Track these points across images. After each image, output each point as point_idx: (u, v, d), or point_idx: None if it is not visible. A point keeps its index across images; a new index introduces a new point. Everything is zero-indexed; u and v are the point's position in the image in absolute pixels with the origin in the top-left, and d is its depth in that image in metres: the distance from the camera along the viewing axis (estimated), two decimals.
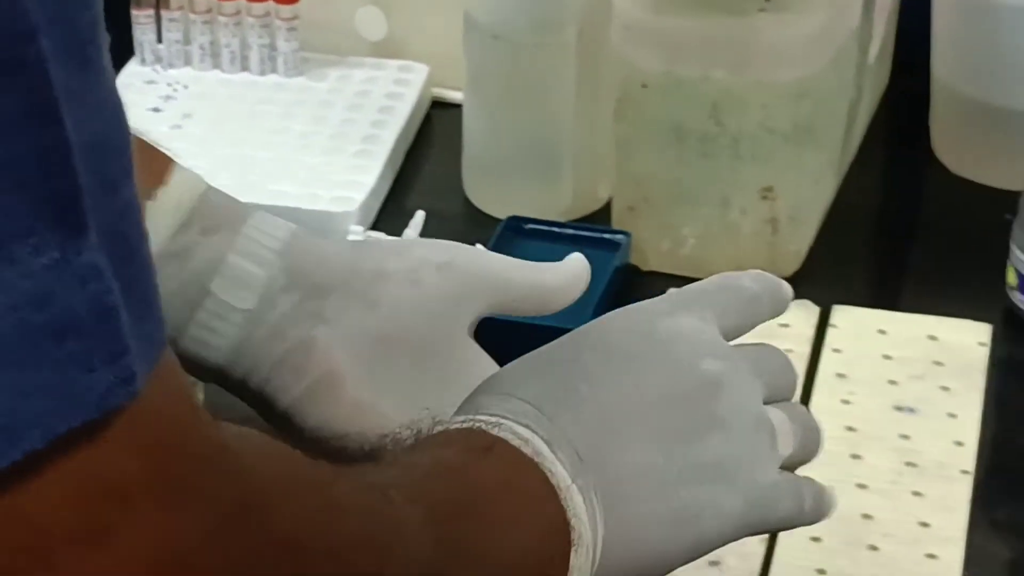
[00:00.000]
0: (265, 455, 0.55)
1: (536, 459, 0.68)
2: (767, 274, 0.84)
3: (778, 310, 0.83)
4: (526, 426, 0.69)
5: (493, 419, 0.69)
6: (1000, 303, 1.09)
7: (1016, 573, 0.93)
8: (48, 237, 0.40)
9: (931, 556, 0.91)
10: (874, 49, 1.23)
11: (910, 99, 1.28)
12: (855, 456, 0.98)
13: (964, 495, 0.95)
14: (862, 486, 0.96)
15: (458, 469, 0.68)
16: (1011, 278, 1.08)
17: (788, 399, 0.79)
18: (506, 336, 1.04)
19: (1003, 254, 1.09)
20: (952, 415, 1.01)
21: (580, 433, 0.70)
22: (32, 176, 0.40)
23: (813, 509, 0.78)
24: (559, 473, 0.68)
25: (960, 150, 1.23)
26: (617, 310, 0.81)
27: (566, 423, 0.70)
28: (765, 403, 0.75)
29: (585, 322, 1.04)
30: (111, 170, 0.45)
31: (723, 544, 0.74)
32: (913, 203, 1.23)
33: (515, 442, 0.69)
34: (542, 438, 0.69)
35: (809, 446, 0.78)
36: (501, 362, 1.03)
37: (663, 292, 1.08)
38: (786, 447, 0.75)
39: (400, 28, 1.30)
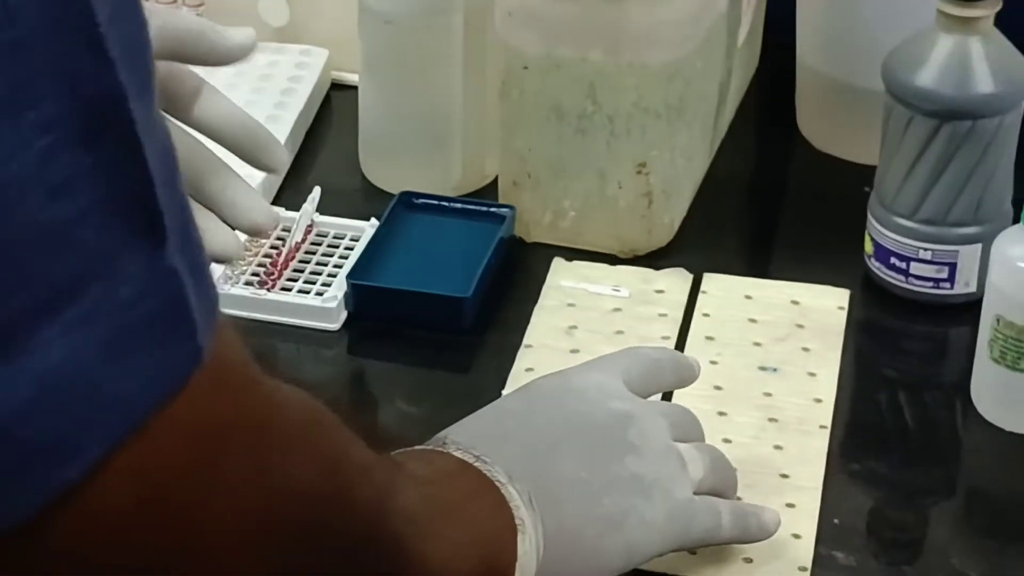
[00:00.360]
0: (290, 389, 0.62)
1: (476, 463, 0.77)
2: (672, 349, 0.99)
3: (683, 376, 0.92)
4: (466, 451, 0.78)
5: (438, 444, 0.79)
6: (859, 270, 1.12)
7: (869, 520, 0.94)
8: (139, 249, 0.47)
9: (790, 505, 0.93)
10: (743, 33, 1.24)
11: (778, 80, 1.30)
12: (721, 413, 1.00)
13: (821, 448, 0.97)
14: (727, 440, 0.97)
15: (421, 456, 0.78)
16: (868, 247, 1.11)
17: (696, 440, 0.87)
18: (399, 302, 1.08)
19: (861, 224, 1.11)
20: (812, 374, 1.03)
21: (511, 457, 0.78)
22: (128, 205, 0.47)
23: (734, 526, 0.85)
24: (497, 471, 0.77)
25: (823, 128, 1.26)
26: (538, 378, 0.90)
27: (499, 450, 0.78)
28: (674, 440, 0.84)
29: (471, 289, 1.07)
30: (172, 173, 0.50)
31: (655, 554, 0.82)
32: (780, 178, 1.25)
33: (458, 453, 0.78)
34: (478, 457, 0.77)
35: (724, 480, 0.86)
36: (401, 327, 1.06)
37: (547, 262, 1.12)
38: (697, 472, 0.83)
39: (301, 14, 1.32)
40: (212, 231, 0.87)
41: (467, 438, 0.79)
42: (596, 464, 0.81)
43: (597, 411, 0.83)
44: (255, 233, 0.94)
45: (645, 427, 0.83)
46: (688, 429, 0.87)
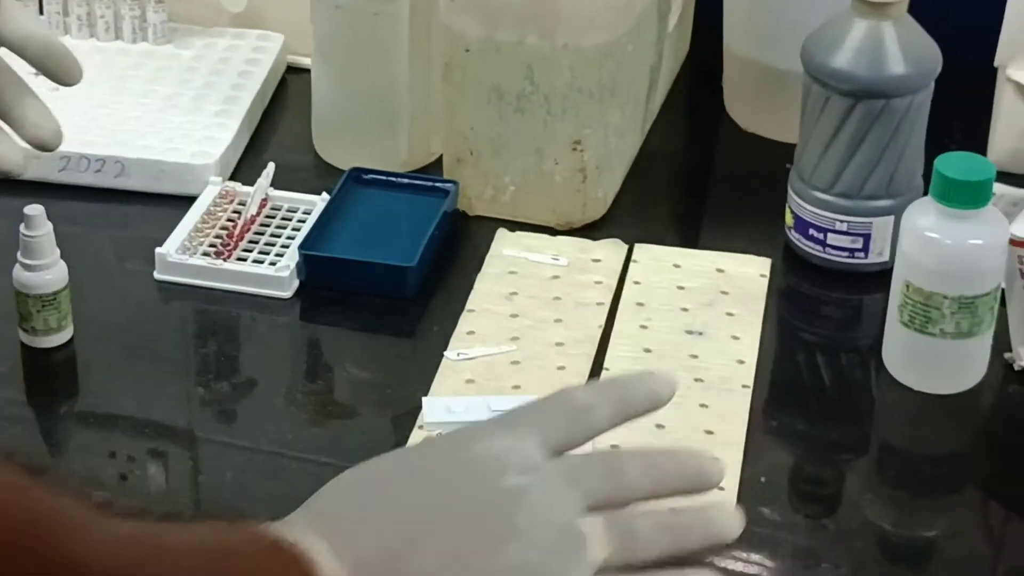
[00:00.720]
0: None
1: (307, 554, 0.65)
2: (616, 382, 0.81)
3: (622, 412, 0.76)
4: (314, 532, 0.66)
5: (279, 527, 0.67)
6: (779, 240, 1.12)
7: (786, 471, 0.95)
8: None
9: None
10: (673, 19, 1.24)
11: (706, 64, 1.31)
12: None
13: (744, 406, 0.98)
14: None
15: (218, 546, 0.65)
16: (788, 219, 1.11)
17: (618, 505, 0.73)
18: (348, 271, 1.08)
19: (782, 198, 1.12)
20: (735, 337, 1.04)
21: (364, 547, 0.67)
22: None
23: None
24: (328, 566, 0.65)
25: (747, 108, 1.26)
26: (444, 435, 0.79)
27: (352, 537, 0.68)
28: (590, 509, 0.70)
29: (415, 258, 1.08)
30: None
31: None
32: (707, 155, 1.25)
33: (291, 539, 0.65)
34: (324, 542, 0.66)
35: (674, 543, 0.71)
36: (350, 294, 1.06)
37: (489, 234, 1.12)
38: (599, 552, 0.70)
39: (258, 1, 1.31)
40: None
41: (330, 509, 0.69)
42: (466, 557, 0.69)
43: (484, 491, 0.70)
44: (40, 147, 0.91)
45: (539, 505, 0.70)
46: (606, 493, 0.72)
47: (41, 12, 1.29)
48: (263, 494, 0.92)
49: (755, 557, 0.89)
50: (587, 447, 0.92)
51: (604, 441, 0.93)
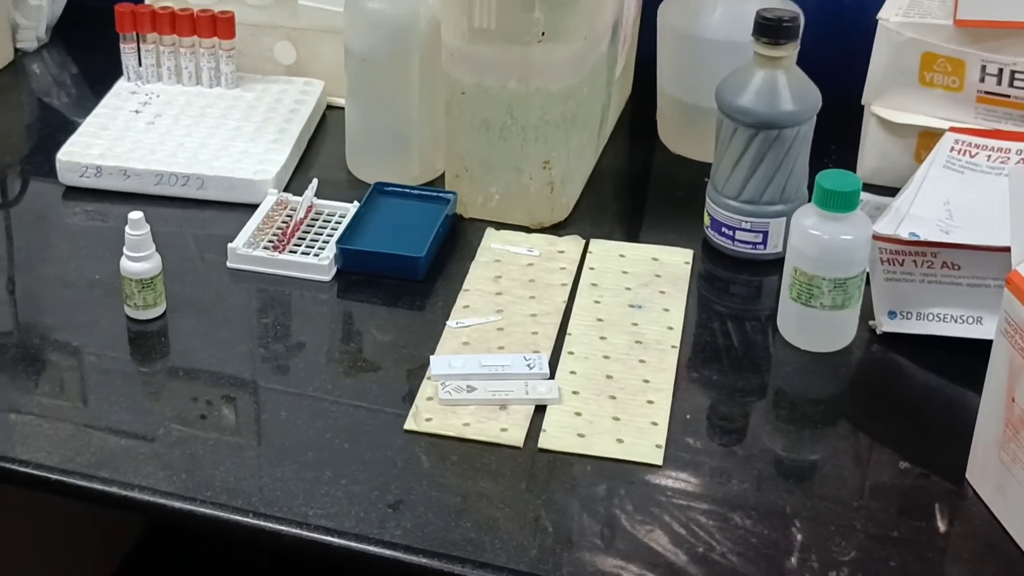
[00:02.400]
0: None
1: None
2: None
3: None
4: None
5: None
6: (699, 236, 1.12)
7: (705, 410, 0.95)
8: None
9: (650, 402, 0.94)
10: (619, 69, 1.24)
11: (645, 102, 1.30)
12: (602, 337, 1.00)
13: (672, 362, 0.98)
14: (607, 357, 0.98)
15: None
16: (706, 220, 1.11)
17: None
18: (373, 259, 1.08)
19: (701, 204, 1.12)
20: (666, 309, 1.04)
21: None
22: None
23: None
24: None
25: (675, 136, 1.26)
26: None
27: None
28: None
29: (424, 250, 1.07)
30: None
31: None
32: (645, 171, 1.24)
33: None
34: None
35: None
36: (374, 277, 1.05)
37: (480, 232, 1.12)
38: None
39: (304, 56, 1.31)
40: None
41: None
42: None
43: None
44: None
45: None
46: None
47: (140, 64, 1.28)
48: (309, 429, 0.93)
49: (682, 475, 0.89)
50: (552, 388, 0.93)
51: (566, 388, 0.95)
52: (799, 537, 0.85)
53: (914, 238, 0.96)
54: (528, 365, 0.97)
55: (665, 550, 0.84)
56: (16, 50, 1.39)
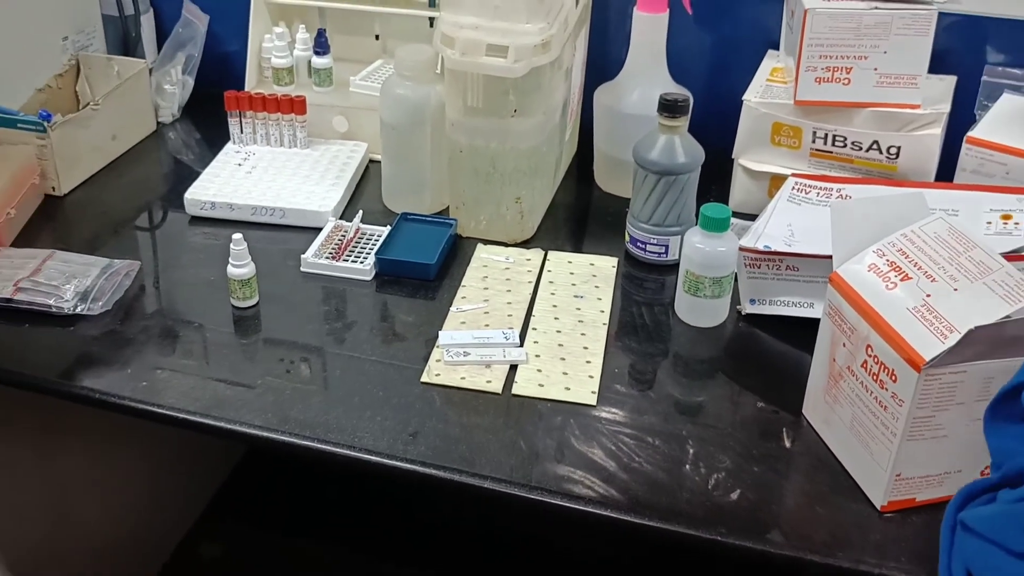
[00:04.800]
0: None
1: None
2: None
3: None
4: None
5: None
6: (622, 248, 1.11)
7: (627, 367, 0.94)
8: None
9: (588, 362, 0.94)
10: (568, 133, 1.24)
11: (585, 156, 1.29)
12: (556, 318, 1.00)
13: (603, 334, 0.98)
14: (559, 331, 0.98)
15: None
16: (626, 237, 1.10)
17: None
18: (401, 265, 1.07)
19: (623, 226, 1.11)
20: (599, 299, 1.03)
21: None
22: None
23: None
24: None
25: (606, 179, 1.25)
26: None
27: None
28: None
29: (435, 259, 1.07)
30: None
31: None
32: (585, 204, 1.23)
33: None
34: None
35: None
36: (401, 277, 1.03)
37: (473, 246, 1.11)
38: None
39: (353, 126, 1.29)
40: None
41: None
42: None
43: None
44: None
45: None
46: None
47: (241, 131, 1.27)
48: (356, 381, 0.92)
49: (612, 411, 0.89)
50: (521, 353, 0.93)
51: (531, 353, 0.94)
52: (691, 452, 0.85)
53: (767, 249, 0.96)
54: (505, 337, 0.96)
55: (601, 461, 0.84)
56: (158, 123, 1.38)
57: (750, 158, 1.14)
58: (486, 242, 1.13)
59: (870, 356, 0.77)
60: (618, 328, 1.00)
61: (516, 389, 0.91)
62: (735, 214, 1.01)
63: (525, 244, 1.13)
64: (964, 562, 0.49)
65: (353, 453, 0.85)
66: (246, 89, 1.32)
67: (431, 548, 1.63)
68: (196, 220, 1.17)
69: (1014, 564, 0.45)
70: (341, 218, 1.16)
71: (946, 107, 1.09)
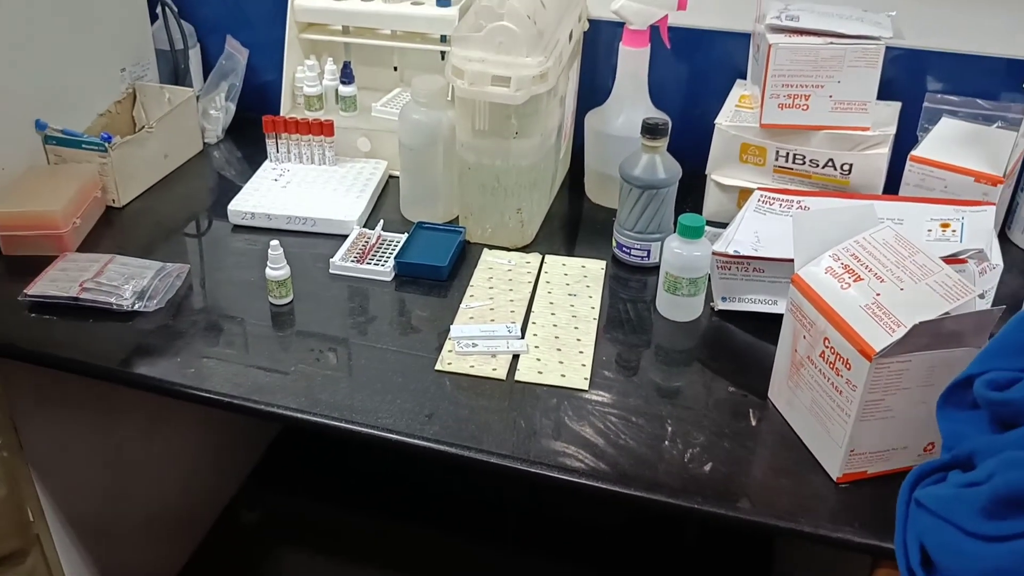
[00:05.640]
0: None
1: None
2: None
3: None
4: None
5: None
6: (609, 252, 1.11)
7: (614, 355, 0.94)
8: None
9: (581, 352, 0.94)
10: (562, 152, 1.24)
11: (577, 172, 1.28)
12: (552, 314, 1.00)
13: (594, 327, 0.98)
14: (555, 325, 0.98)
15: None
16: (613, 243, 1.10)
17: None
18: (417, 267, 1.06)
19: (611, 233, 1.11)
20: (590, 296, 1.03)
21: None
22: None
23: None
24: None
25: (596, 192, 1.24)
26: None
27: None
28: None
29: (447, 261, 1.06)
30: None
31: None
32: (577, 214, 1.22)
33: None
34: None
35: None
36: (417, 278, 1.03)
37: (479, 251, 1.10)
38: None
39: (375, 146, 1.28)
40: None
41: None
42: None
43: None
44: None
45: None
46: None
47: (278, 150, 1.26)
48: (378, 368, 0.92)
49: (601, 394, 0.89)
50: (523, 344, 0.92)
51: (531, 344, 0.94)
52: (670, 430, 0.85)
53: (737, 253, 0.96)
54: (508, 331, 0.96)
55: (592, 438, 0.84)
56: (204, 143, 1.38)
57: (721, 174, 1.14)
58: (491, 247, 1.12)
59: (827, 347, 0.77)
60: (606, 322, 0.99)
61: (518, 376, 0.91)
62: (708, 223, 1.01)
63: (525, 249, 1.13)
64: (918, 536, 0.49)
65: (375, 432, 0.85)
66: (281, 114, 1.31)
67: (443, 514, 1.63)
68: (238, 228, 1.17)
69: (964, 540, 0.45)
70: (364, 226, 1.16)
71: (892, 129, 1.09)
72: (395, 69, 1.38)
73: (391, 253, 1.09)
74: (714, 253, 0.97)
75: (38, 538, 0.86)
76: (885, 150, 1.07)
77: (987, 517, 0.44)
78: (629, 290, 1.06)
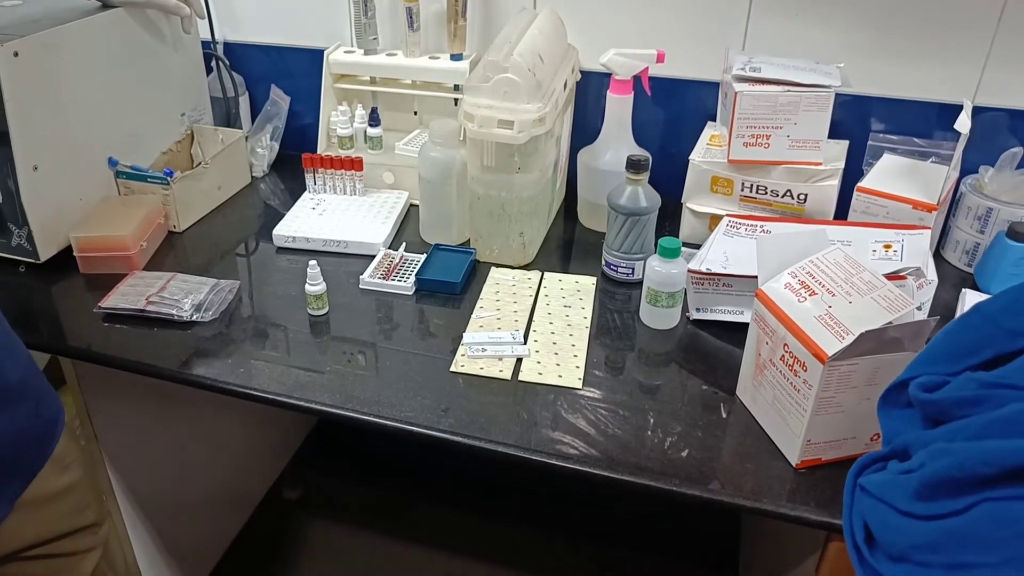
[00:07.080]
0: None
1: None
2: None
3: None
4: None
5: None
6: (599, 270, 1.11)
7: (604, 357, 0.94)
8: None
9: (575, 356, 0.93)
10: (558, 183, 1.23)
11: (571, 200, 1.27)
12: (550, 323, 0.99)
13: (586, 334, 0.97)
14: (553, 333, 0.97)
15: None
16: (603, 262, 1.10)
17: None
18: (434, 283, 1.05)
19: (600, 253, 1.11)
20: (583, 308, 1.02)
21: None
22: None
23: None
24: None
25: (587, 217, 1.23)
26: None
27: None
28: None
29: (460, 278, 1.05)
30: None
31: None
32: (571, 237, 1.21)
33: None
34: None
35: None
36: (435, 292, 1.03)
37: (488, 269, 1.10)
38: None
39: (399, 179, 1.28)
40: None
41: None
42: None
43: None
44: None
45: None
46: None
47: (315, 182, 1.26)
48: (401, 369, 0.92)
49: (592, 390, 0.88)
50: (525, 349, 0.92)
51: (532, 349, 0.94)
52: (652, 421, 0.85)
53: (709, 271, 0.96)
54: (513, 337, 0.96)
55: (584, 428, 0.83)
56: (252, 177, 1.38)
57: (695, 202, 1.14)
58: (498, 266, 1.12)
59: (787, 352, 0.77)
60: (597, 330, 0.99)
61: (521, 376, 0.90)
62: (684, 244, 1.01)
63: (527, 267, 1.13)
64: (862, 515, 0.50)
65: (399, 424, 0.84)
66: (318, 152, 1.31)
67: (456, 494, 1.63)
68: (281, 250, 1.17)
69: (899, 519, 0.45)
70: (389, 248, 1.16)
71: (841, 164, 1.09)
72: (415, 113, 1.38)
73: (412, 271, 1.09)
74: (689, 270, 0.97)
75: (110, 513, 0.87)
76: (835, 182, 1.07)
77: (918, 499, 0.45)
78: (616, 302, 1.05)
